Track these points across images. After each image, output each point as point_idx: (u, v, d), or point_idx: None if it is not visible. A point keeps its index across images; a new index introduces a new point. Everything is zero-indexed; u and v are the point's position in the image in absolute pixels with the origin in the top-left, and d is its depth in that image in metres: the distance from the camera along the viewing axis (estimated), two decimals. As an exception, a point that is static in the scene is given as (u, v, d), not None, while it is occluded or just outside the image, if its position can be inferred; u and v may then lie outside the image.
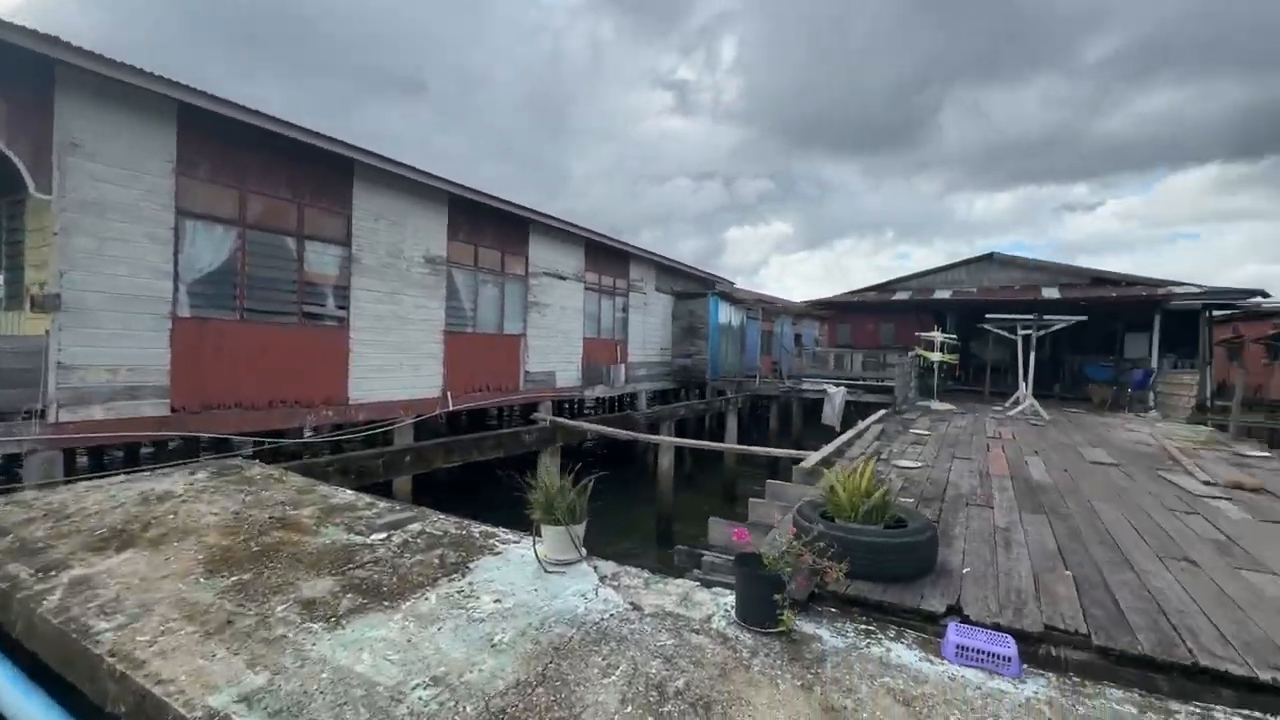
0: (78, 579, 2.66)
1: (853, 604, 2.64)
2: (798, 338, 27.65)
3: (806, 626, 2.42)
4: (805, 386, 15.55)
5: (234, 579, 2.72)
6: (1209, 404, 13.36)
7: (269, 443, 7.56)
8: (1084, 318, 11.05)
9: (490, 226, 11.01)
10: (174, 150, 6.62)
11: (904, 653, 2.30)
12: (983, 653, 2.21)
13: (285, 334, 7.77)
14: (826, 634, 2.40)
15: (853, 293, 21.28)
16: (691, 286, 18.32)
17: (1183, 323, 15.15)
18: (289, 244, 7.83)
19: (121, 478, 4.01)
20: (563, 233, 12.78)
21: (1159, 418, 11.26)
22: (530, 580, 2.79)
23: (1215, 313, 16.29)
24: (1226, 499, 4.66)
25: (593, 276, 14.08)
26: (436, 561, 2.96)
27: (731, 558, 3.07)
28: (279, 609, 2.45)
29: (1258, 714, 1.99)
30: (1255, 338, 20.02)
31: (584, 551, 2.96)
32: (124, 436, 6.31)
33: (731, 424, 14.62)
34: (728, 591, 2.68)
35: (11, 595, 2.51)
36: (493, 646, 2.21)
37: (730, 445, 10.55)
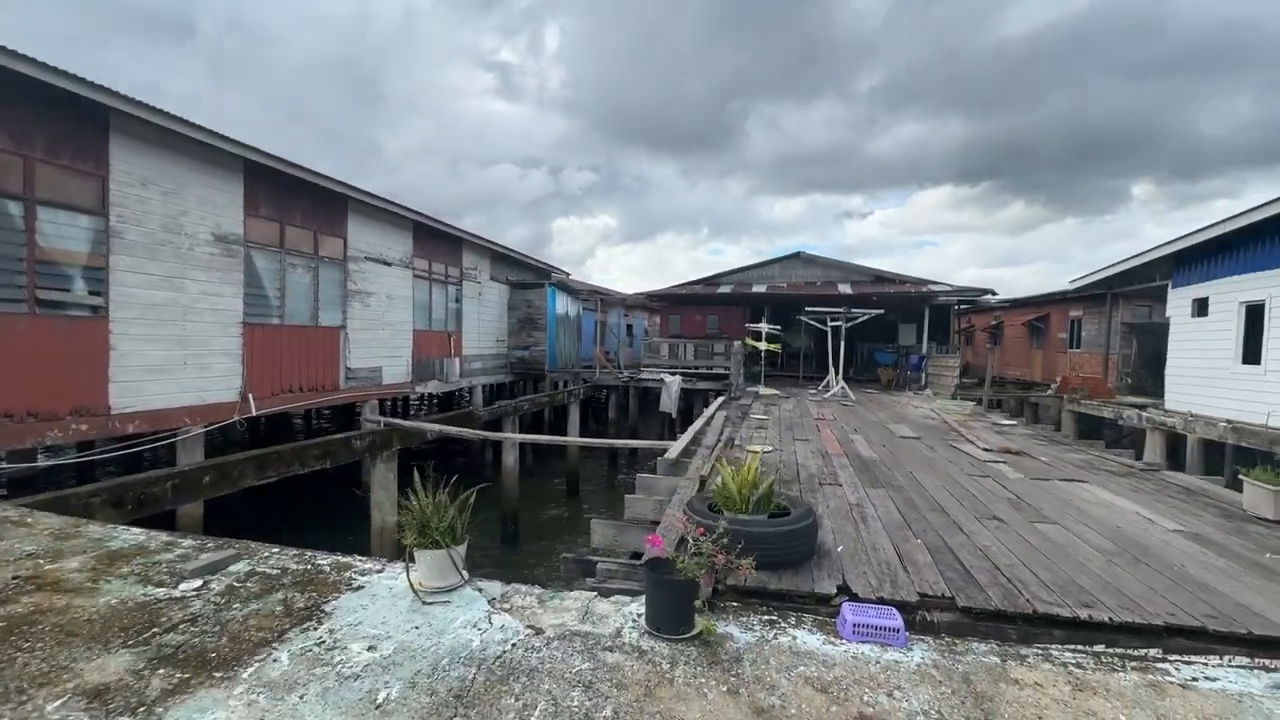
0: None
1: (751, 595, 2.68)
2: (629, 328, 28.47)
3: (717, 625, 2.39)
4: (644, 376, 16.01)
5: (-35, 674, 1.93)
6: (960, 381, 16.41)
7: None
8: (883, 311, 12.82)
9: (300, 202, 9.54)
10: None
11: (808, 638, 2.38)
12: (875, 627, 2.37)
13: (12, 327, 5.95)
14: (735, 630, 2.39)
15: (681, 285, 22.39)
16: (527, 276, 17.82)
17: (936, 315, 18.35)
18: (10, 209, 5.99)
19: None
20: (387, 214, 11.55)
21: (932, 395, 13.53)
22: (407, 616, 2.39)
23: (958, 306, 20.02)
24: (1002, 462, 5.68)
25: (422, 263, 12.98)
26: (280, 609, 2.41)
27: (623, 561, 2.95)
28: (50, 708, 1.79)
29: (1081, 647, 2.37)
30: (982, 327, 25.05)
31: (466, 574, 2.62)
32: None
33: (574, 416, 14.53)
34: (628, 599, 2.56)
35: None
36: (378, 708, 1.83)
37: (585, 440, 10.44)
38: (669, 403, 13.84)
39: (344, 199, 10.48)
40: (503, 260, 16.70)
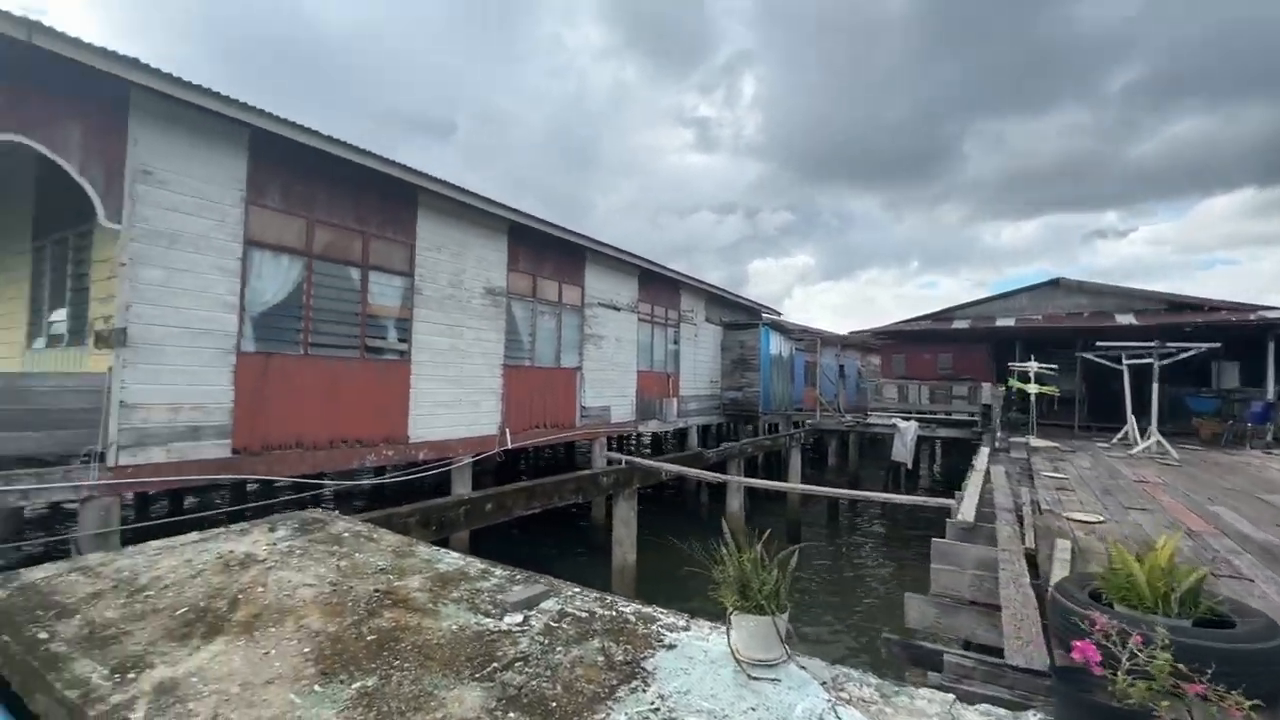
0: (163, 684, 2.08)
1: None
2: (840, 369, 26.76)
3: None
4: (873, 420, 14.70)
5: (357, 685, 2.11)
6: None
7: (329, 484, 7.05)
8: (1217, 345, 10.08)
9: (548, 256, 10.61)
10: (245, 178, 6.31)
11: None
12: None
13: (348, 369, 7.33)
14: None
15: (907, 321, 20.44)
16: (740, 316, 17.72)
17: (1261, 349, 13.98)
18: (353, 275, 7.46)
19: (195, 536, 3.47)
20: (618, 261, 12.34)
21: (1286, 454, 10.17)
22: (735, 691, 2.12)
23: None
24: None
25: (646, 307, 13.58)
26: (600, 659, 2.32)
27: (986, 660, 2.37)
28: (429, 738, 1.83)
29: None
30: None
31: (789, 649, 2.29)
32: (183, 481, 5.84)
33: (795, 461, 13.79)
34: (1002, 712, 1.98)
35: (84, 713, 1.93)
36: (748, 813, 1.55)
37: (833, 491, 9.71)
38: (903, 451, 12.42)
39: (583, 250, 11.39)
40: (717, 301, 16.82)
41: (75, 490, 5.15)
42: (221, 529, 3.64)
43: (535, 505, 6.65)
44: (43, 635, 2.28)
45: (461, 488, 8.62)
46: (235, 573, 2.96)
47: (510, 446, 9.53)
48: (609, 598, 2.89)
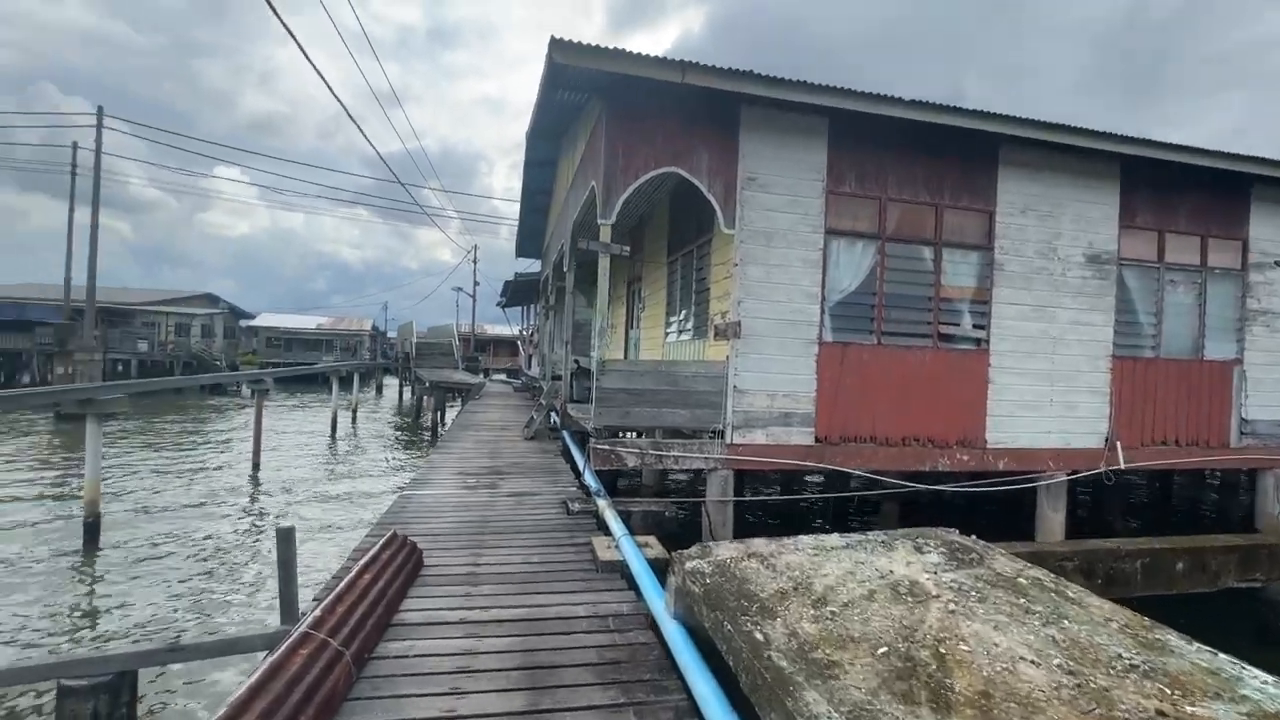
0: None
1: None
2: None
3: None
4: None
5: None
6: None
7: (905, 487, 6.50)
8: None
9: (1183, 201, 7.42)
10: (824, 167, 6.32)
11: None
12: None
13: (920, 359, 6.61)
14: None
15: None
16: None
17: None
18: (925, 254, 6.67)
19: (839, 540, 3.23)
20: (1315, 193, 7.77)
21: None
22: None
23: None
24: None
25: (1373, 261, 8.21)
26: None
27: None
28: None
29: None
30: None
31: None
32: (777, 464, 6.24)
33: None
34: None
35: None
36: None
37: None
38: None
39: (1245, 184, 7.59)
40: None
41: (706, 461, 6.05)
42: (857, 535, 3.31)
43: (1257, 577, 4.37)
44: (759, 636, 2.13)
45: (1053, 512, 6.80)
46: (912, 606, 2.45)
47: (1122, 467, 7.05)
48: None
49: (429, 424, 23.01)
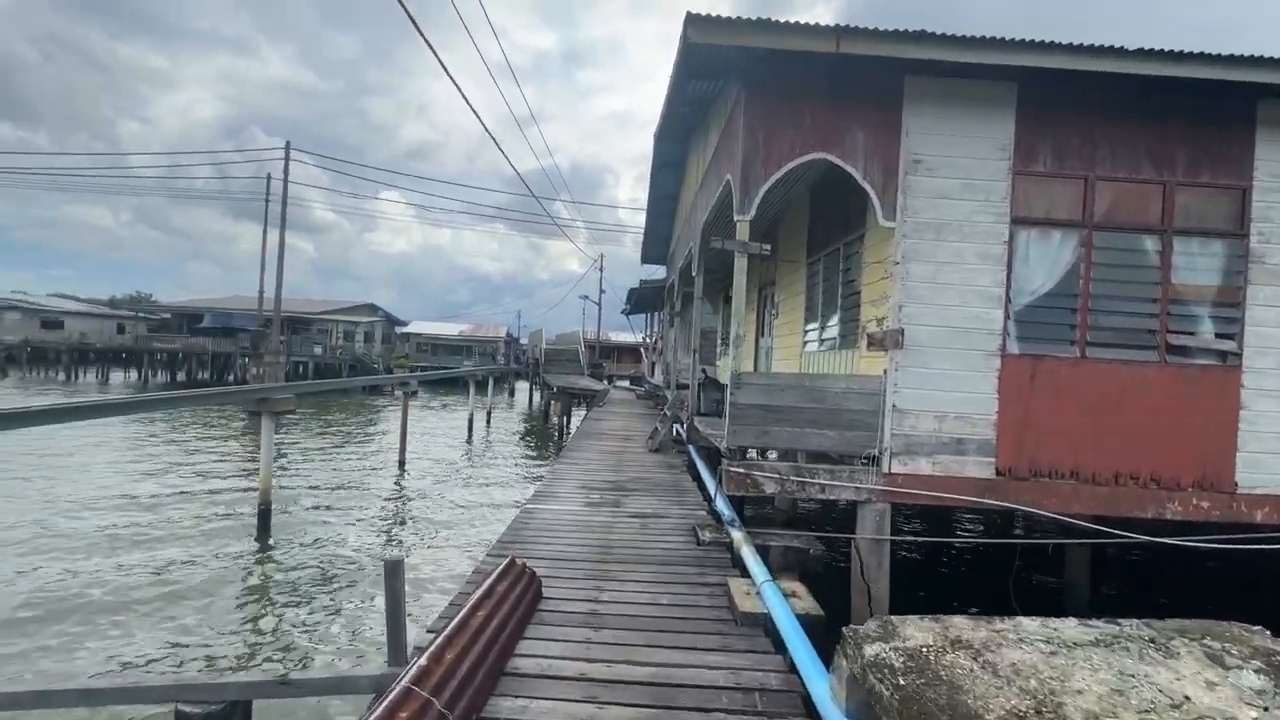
0: None
1: None
2: None
3: None
4: None
5: None
6: None
7: (1117, 537, 5.17)
8: None
9: None
10: (1011, 143, 5.23)
11: None
12: None
13: (1139, 377, 5.25)
14: None
15: None
16: None
17: None
18: (1147, 245, 5.31)
19: (1082, 632, 2.35)
20: None
21: None
22: None
23: None
24: None
25: None
26: None
27: None
28: None
29: None
30: None
31: None
32: (947, 499, 5.22)
33: None
34: None
35: None
36: None
37: None
38: None
39: None
40: None
41: (858, 491, 5.20)
42: (1100, 624, 2.40)
43: None
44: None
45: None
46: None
47: None
48: None
49: (556, 428, 23.65)
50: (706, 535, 4.98)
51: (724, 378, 9.46)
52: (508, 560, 3.66)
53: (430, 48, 7.44)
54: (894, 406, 5.18)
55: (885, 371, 5.22)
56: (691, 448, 8.44)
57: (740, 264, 5.28)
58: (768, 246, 5.35)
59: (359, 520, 10.28)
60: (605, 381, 32.12)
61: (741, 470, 5.17)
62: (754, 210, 5.24)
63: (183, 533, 9.32)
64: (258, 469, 13.53)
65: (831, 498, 5.28)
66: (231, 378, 39.83)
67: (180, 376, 42.71)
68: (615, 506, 6.08)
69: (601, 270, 44.15)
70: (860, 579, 5.15)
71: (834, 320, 7.00)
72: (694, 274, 8.37)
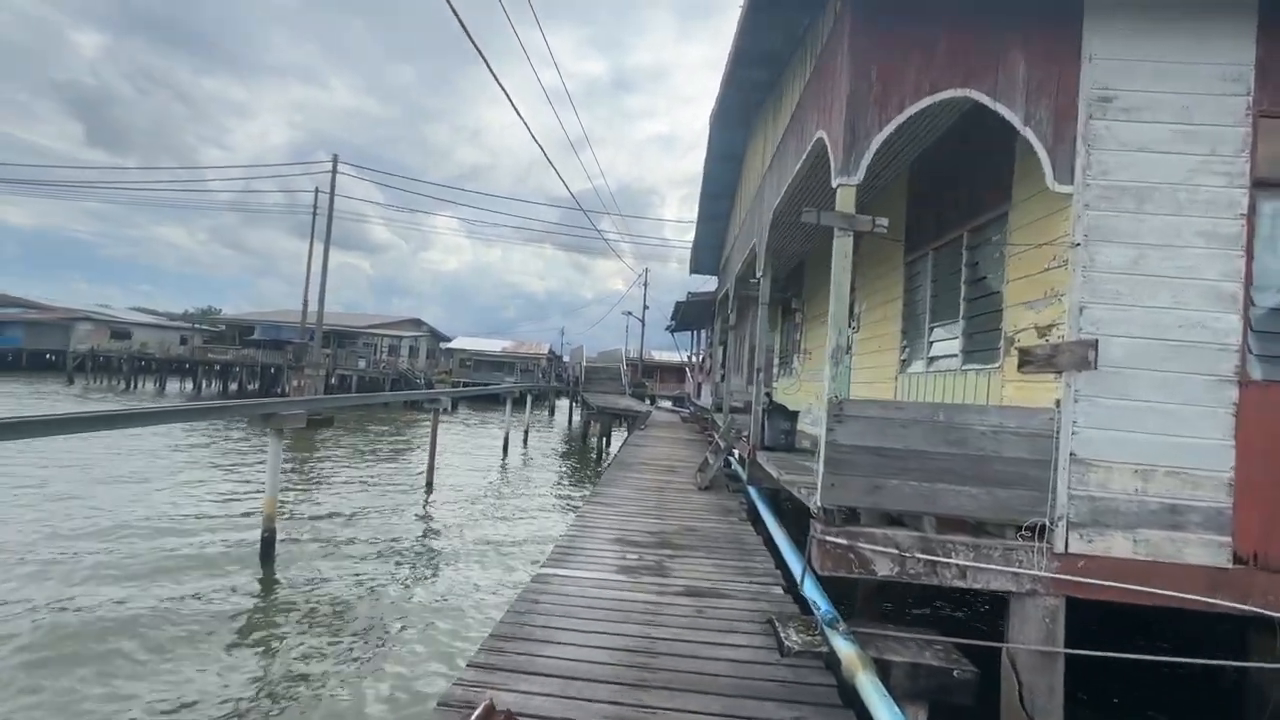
0: None
1: None
2: None
3: None
4: None
5: None
6: None
7: None
8: None
9: None
10: (1249, 71, 3.57)
11: None
12: None
13: None
14: None
15: None
16: None
17: None
18: None
19: None
20: None
21: None
22: None
23: None
24: None
25: None
26: None
27: None
28: None
29: None
30: None
31: None
32: (1154, 595, 3.49)
33: None
34: None
35: None
36: None
37: None
38: None
39: None
40: None
41: (1015, 579, 3.54)
42: None
43: None
44: None
45: None
46: None
47: None
48: None
49: (595, 450, 22.27)
50: (794, 639, 3.39)
51: (794, 403, 7.87)
52: (482, 709, 2.19)
53: (497, 81, 8.43)
54: (1072, 455, 3.51)
55: (1058, 403, 3.57)
56: (752, 489, 6.85)
57: (842, 246, 3.74)
58: (885, 221, 3.80)
59: (365, 557, 9.03)
60: (647, 402, 30.67)
61: (842, 542, 3.58)
62: (862, 171, 3.72)
63: (183, 561, 8.28)
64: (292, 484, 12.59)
65: (976, 585, 3.62)
66: (279, 389, 40.23)
67: (233, 387, 43.51)
68: (659, 574, 4.56)
69: (646, 285, 42.94)
70: (1019, 708, 3.47)
71: (952, 332, 5.34)
72: (757, 275, 6.86)
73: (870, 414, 3.69)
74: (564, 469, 18.86)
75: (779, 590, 4.32)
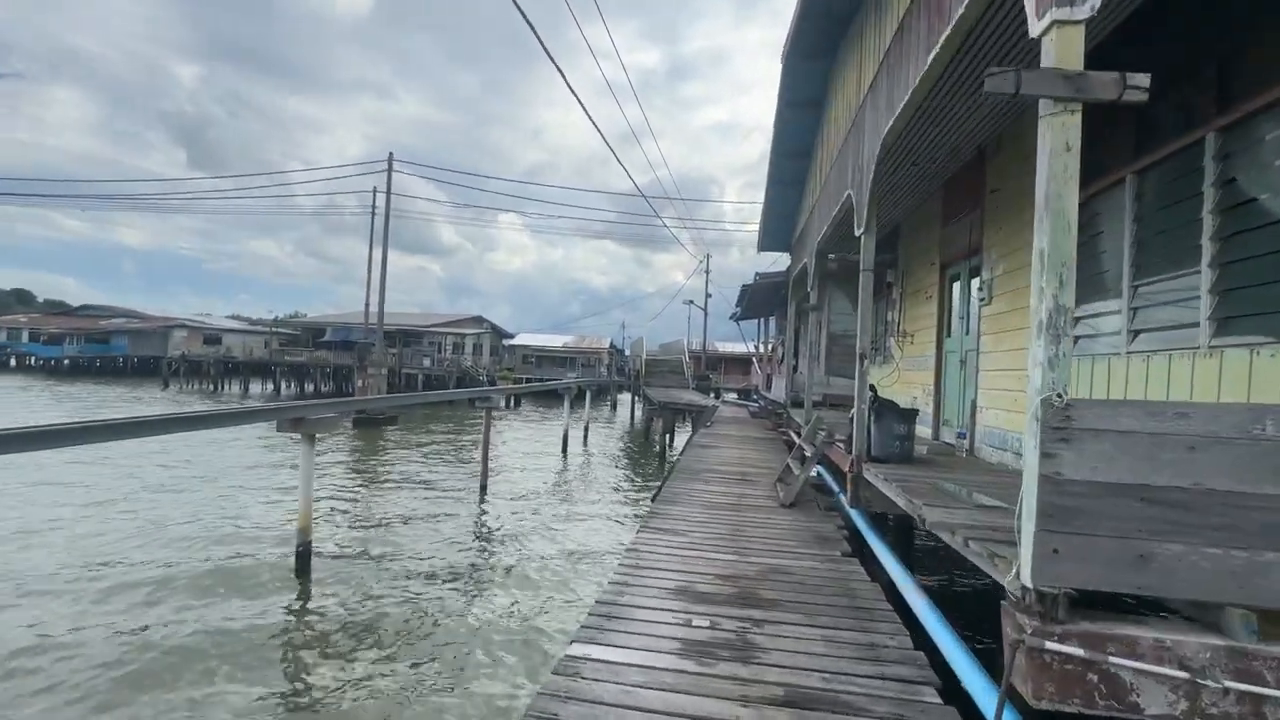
0: None
1: None
2: None
3: None
4: None
5: None
6: None
7: None
8: None
9: None
10: None
11: None
12: None
13: None
14: None
15: None
16: None
17: None
18: None
19: None
20: None
21: None
22: None
23: None
24: None
25: None
26: None
27: None
28: None
29: None
30: None
31: None
32: None
33: None
34: None
35: None
36: None
37: None
38: None
39: None
40: None
41: None
42: None
43: None
44: None
45: None
46: None
47: None
48: None
49: (658, 448, 20.96)
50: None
51: (891, 397, 6.25)
52: None
53: (565, 81, 9.03)
54: None
55: None
56: (855, 513, 5.25)
57: (1059, 134, 2.15)
58: (1143, 80, 2.17)
59: (407, 576, 8.05)
60: (712, 395, 29.04)
61: (1078, 653, 2.01)
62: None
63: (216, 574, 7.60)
64: (377, 485, 11.95)
65: None
66: (349, 389, 41.30)
67: (308, 388, 45.12)
68: (741, 658, 3.11)
69: (708, 271, 41.09)
70: None
71: (1185, 289, 3.56)
72: (858, 231, 5.22)
73: (1127, 425, 2.07)
74: (624, 472, 17.60)
75: (933, 698, 2.77)
